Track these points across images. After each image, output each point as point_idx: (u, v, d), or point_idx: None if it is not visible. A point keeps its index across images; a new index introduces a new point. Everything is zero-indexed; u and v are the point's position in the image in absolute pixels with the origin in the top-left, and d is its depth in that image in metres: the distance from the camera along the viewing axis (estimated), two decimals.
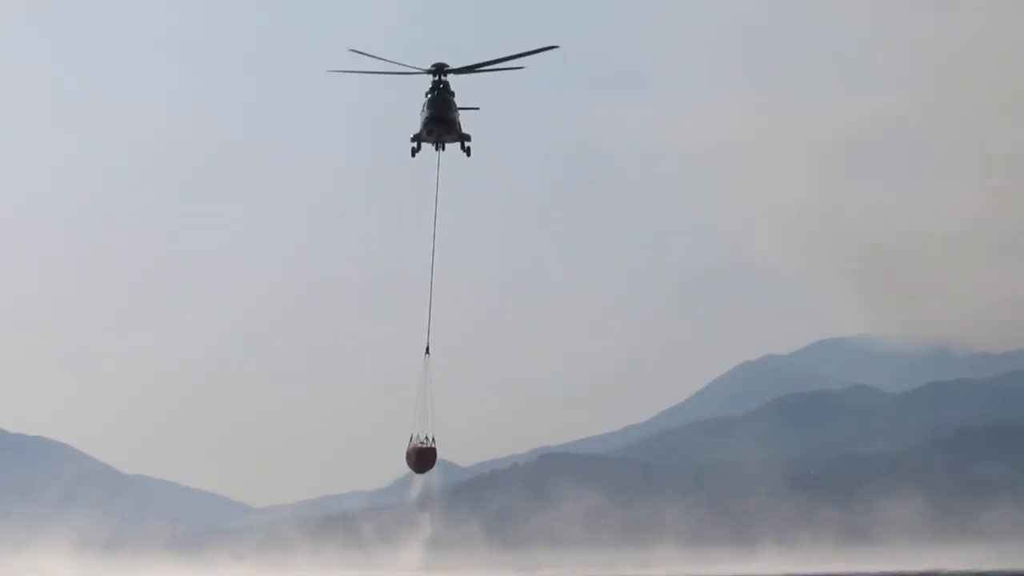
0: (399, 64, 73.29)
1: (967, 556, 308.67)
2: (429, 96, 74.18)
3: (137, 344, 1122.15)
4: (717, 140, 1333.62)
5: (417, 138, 75.64)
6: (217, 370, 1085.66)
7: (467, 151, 76.00)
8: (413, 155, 76.63)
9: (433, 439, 75.58)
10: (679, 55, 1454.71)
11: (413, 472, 77.60)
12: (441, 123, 73.73)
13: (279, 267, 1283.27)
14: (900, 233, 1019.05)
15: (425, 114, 74.54)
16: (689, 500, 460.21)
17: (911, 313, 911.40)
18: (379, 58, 72.63)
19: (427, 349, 76.49)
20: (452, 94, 75.84)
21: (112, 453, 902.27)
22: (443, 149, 75.62)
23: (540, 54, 72.63)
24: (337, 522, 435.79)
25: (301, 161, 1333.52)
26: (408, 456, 76.27)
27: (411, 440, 75.90)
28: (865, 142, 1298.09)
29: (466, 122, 78.14)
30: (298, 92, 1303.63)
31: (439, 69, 74.15)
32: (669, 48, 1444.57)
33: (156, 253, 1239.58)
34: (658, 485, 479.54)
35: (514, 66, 73.84)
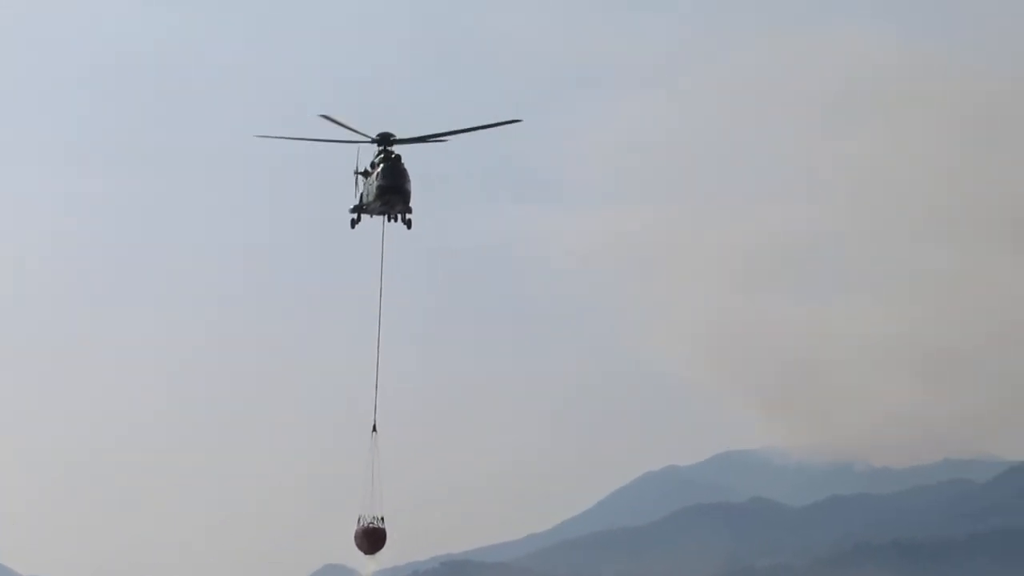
0: (349, 131, 71.82)
1: None
2: (382, 166, 72.11)
3: (46, 435, 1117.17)
4: (627, 249, 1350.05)
5: (358, 209, 74.02)
6: (134, 460, 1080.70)
7: (408, 223, 73.91)
8: (353, 226, 75.10)
9: (382, 519, 73.39)
10: (590, 165, 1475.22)
11: (363, 553, 74.67)
12: (397, 193, 72.04)
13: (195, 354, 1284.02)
14: (805, 347, 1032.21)
15: (377, 183, 72.50)
16: None
17: (813, 427, 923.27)
18: (348, 127, 71.55)
19: (374, 427, 74.25)
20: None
21: (9, 553, 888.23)
22: (393, 220, 73.51)
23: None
24: None
25: (228, 234, 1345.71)
26: (356, 536, 73.69)
27: (359, 521, 73.45)
28: (773, 255, 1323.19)
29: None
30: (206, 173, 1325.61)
31: (385, 139, 72.49)
32: (580, 158, 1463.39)
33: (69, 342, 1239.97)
34: None
35: (476, 127, 72.29)
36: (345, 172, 77.74)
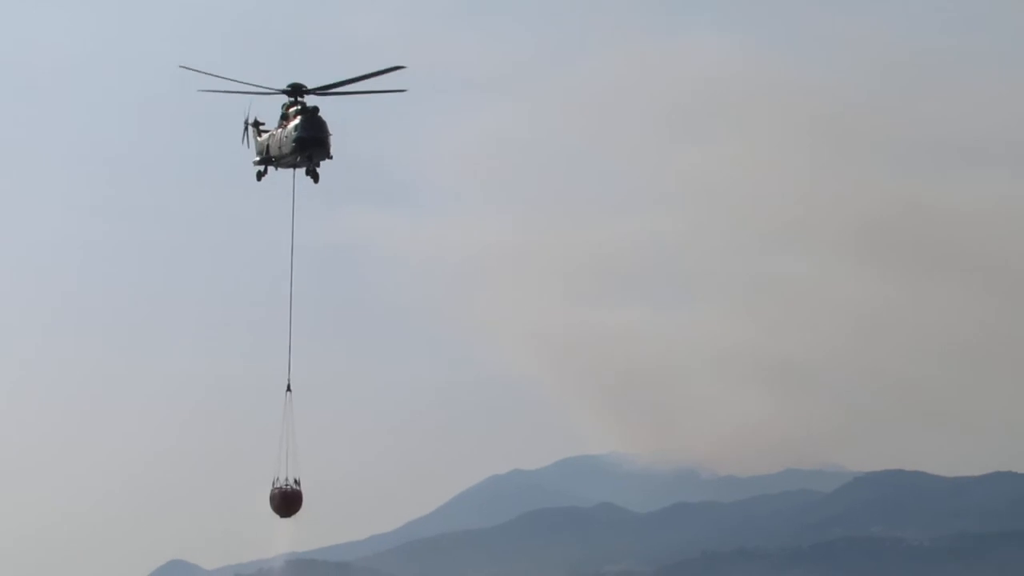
0: (244, 83, 71.05)
1: None
2: (301, 118, 70.84)
3: None
4: (476, 257, 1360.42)
5: (265, 161, 73.03)
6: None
7: (316, 176, 72.93)
8: (259, 179, 74.50)
9: (297, 481, 73.32)
10: (441, 170, 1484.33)
11: (278, 516, 74.04)
12: (320, 145, 70.49)
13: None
14: (652, 355, 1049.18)
15: (297, 135, 71.06)
16: None
17: (660, 435, 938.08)
18: (213, 75, 70.46)
19: (288, 386, 73.89)
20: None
21: None
22: (305, 171, 72.35)
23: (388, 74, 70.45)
24: None
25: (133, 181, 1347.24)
26: (272, 499, 73.50)
27: (274, 483, 73.32)
28: (621, 263, 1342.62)
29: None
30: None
31: (296, 89, 71.68)
32: (431, 162, 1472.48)
33: None
34: None
35: (363, 89, 71.41)
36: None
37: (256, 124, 75.38)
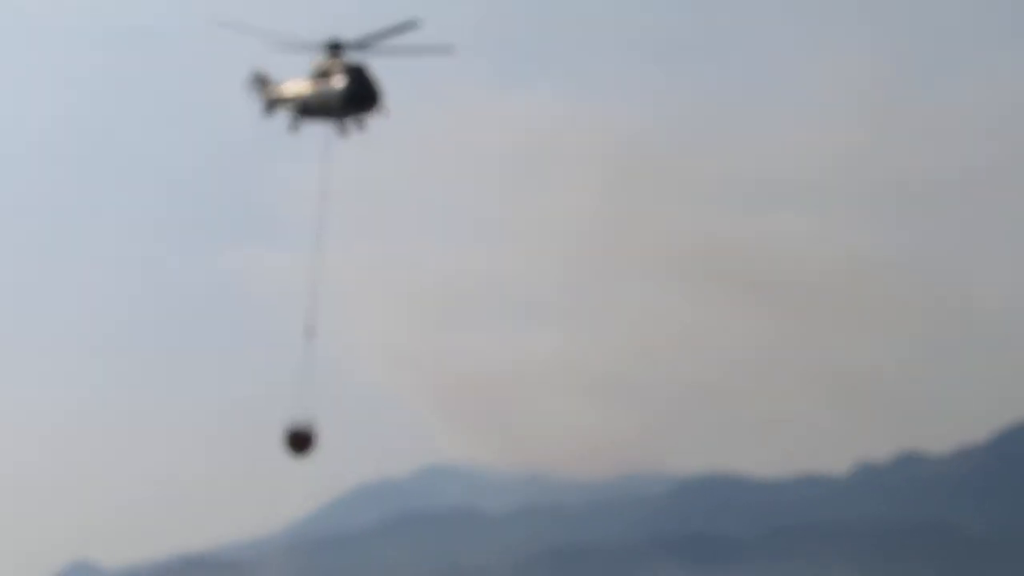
0: (278, 38, 71.72)
1: None
2: (352, 74, 72.20)
3: None
4: (343, 282, 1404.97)
5: (305, 110, 74.88)
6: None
7: (352, 127, 75.03)
8: (294, 130, 76.80)
9: (310, 426, 75.31)
10: (301, 208, 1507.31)
11: (292, 453, 76.08)
12: (373, 100, 72.56)
13: None
14: (502, 372, 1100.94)
15: (350, 89, 72.09)
16: None
17: (513, 443, 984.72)
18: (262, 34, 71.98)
19: (309, 331, 76.10)
20: None
21: None
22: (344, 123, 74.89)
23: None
24: None
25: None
26: (285, 436, 75.38)
27: (289, 425, 75.30)
28: (468, 292, 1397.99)
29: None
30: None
31: (336, 45, 72.37)
32: (291, 201, 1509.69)
33: None
34: None
35: (406, 48, 72.01)
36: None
37: (262, 79, 75.96)
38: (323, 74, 71.07)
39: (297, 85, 72.38)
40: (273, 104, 73.90)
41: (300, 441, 73.60)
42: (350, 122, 71.95)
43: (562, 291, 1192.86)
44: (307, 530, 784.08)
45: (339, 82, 70.45)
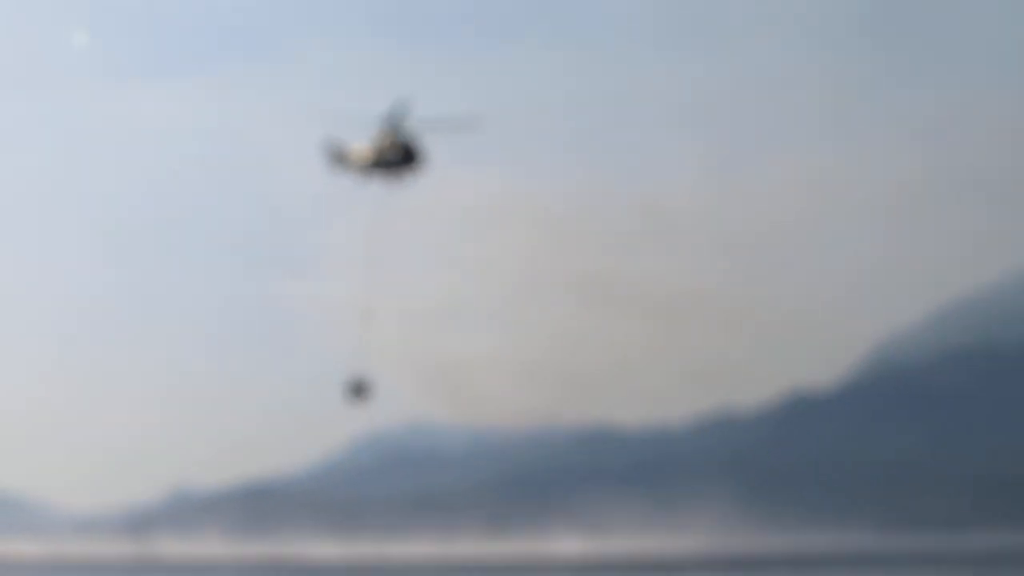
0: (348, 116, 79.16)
1: None
2: (402, 143, 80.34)
3: None
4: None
5: (370, 170, 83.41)
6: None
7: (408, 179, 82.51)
8: (362, 183, 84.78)
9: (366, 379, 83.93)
10: None
11: (352, 398, 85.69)
12: (416, 162, 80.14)
13: None
14: (461, 360, 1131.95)
15: (395, 154, 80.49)
16: None
17: (468, 408, 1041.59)
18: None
19: (367, 314, 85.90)
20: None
21: None
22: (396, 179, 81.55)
23: None
24: None
25: None
26: (347, 385, 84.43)
27: (350, 378, 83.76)
28: (441, 306, 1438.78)
29: None
30: None
31: (396, 125, 79.17)
32: None
33: None
34: None
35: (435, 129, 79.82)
36: None
37: (336, 145, 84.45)
38: (382, 143, 78.42)
39: (362, 148, 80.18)
40: (342, 163, 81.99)
41: (359, 389, 79.10)
42: (398, 178, 79.15)
43: (506, 306, 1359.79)
44: (330, 467, 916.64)
45: (396, 149, 78.19)
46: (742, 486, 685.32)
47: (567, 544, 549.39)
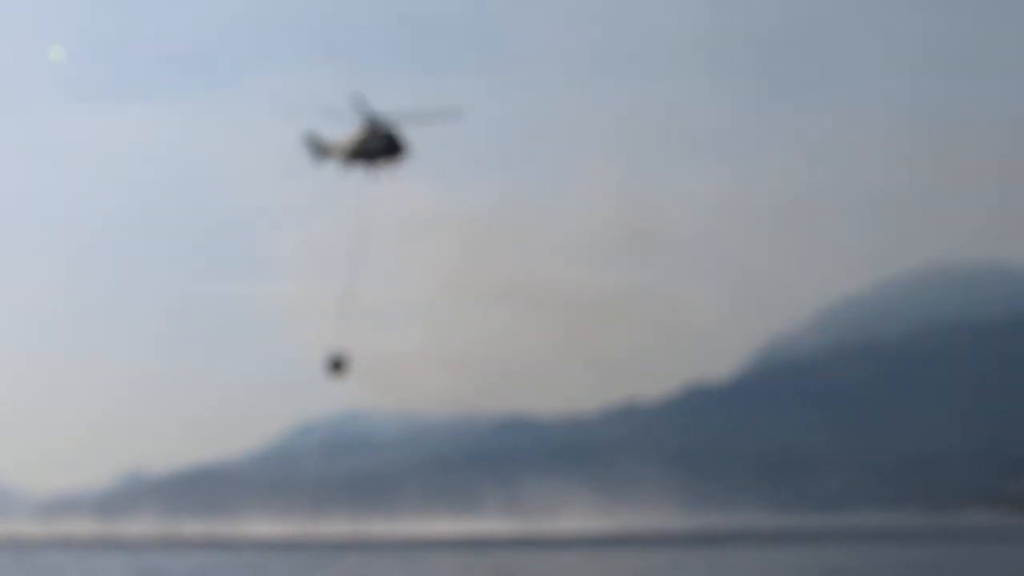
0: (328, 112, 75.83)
1: None
2: (387, 137, 78.41)
3: None
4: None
5: (353, 158, 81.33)
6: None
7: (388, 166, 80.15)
8: (347, 169, 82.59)
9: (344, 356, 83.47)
10: None
11: (332, 373, 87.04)
12: (395, 151, 77.69)
13: None
14: (385, 355, 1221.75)
15: (378, 143, 78.20)
16: None
17: (396, 400, 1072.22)
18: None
19: (348, 298, 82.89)
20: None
21: None
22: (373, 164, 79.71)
23: None
24: None
25: None
26: (328, 361, 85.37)
27: (330, 354, 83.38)
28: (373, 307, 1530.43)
29: None
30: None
31: (375, 122, 76.71)
32: None
33: None
34: None
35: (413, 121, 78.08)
36: None
37: (313, 139, 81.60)
38: (365, 134, 76.33)
39: (344, 140, 77.34)
40: (323, 154, 79.13)
41: (337, 365, 78.44)
42: (381, 167, 76.15)
43: (434, 306, 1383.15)
44: (271, 451, 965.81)
45: (379, 139, 75.88)
46: (647, 469, 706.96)
47: (490, 522, 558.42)
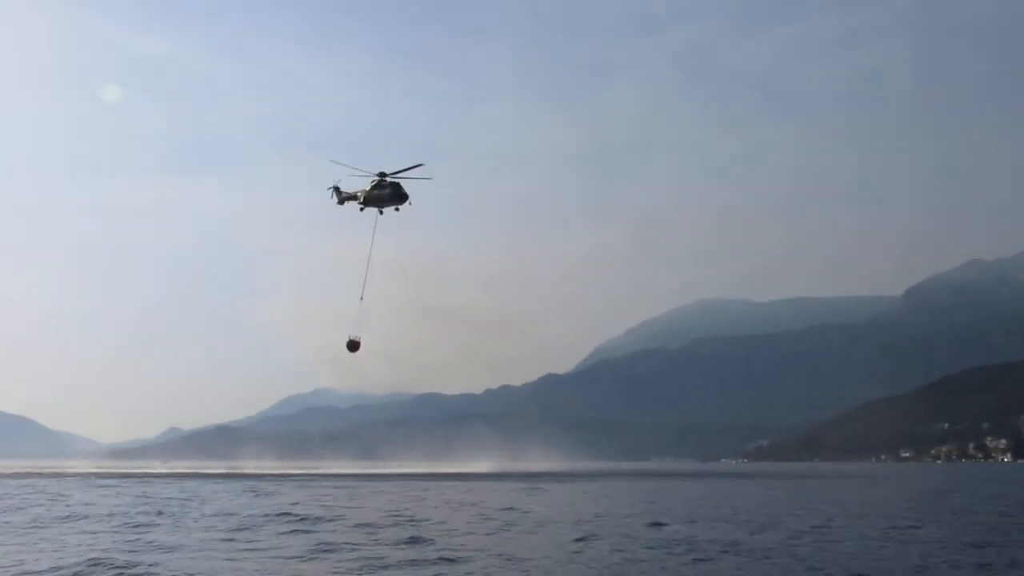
0: (360, 170, 68.59)
1: None
2: (392, 185, 69.74)
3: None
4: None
5: (364, 204, 71.24)
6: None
7: (398, 208, 71.07)
8: (362, 210, 72.01)
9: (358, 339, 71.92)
10: None
11: (350, 351, 72.78)
12: (404, 198, 69.76)
13: None
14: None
15: (388, 191, 69.64)
16: None
17: (353, 380, 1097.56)
18: (351, 167, 68.82)
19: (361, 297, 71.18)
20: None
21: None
22: (381, 213, 70.44)
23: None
24: None
25: None
26: (348, 343, 72.04)
27: (350, 337, 71.95)
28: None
29: None
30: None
31: (382, 174, 69.80)
32: None
33: None
34: None
35: (415, 177, 69.47)
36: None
37: (338, 190, 72.27)
38: (376, 185, 68.63)
39: (361, 189, 69.51)
40: (344, 200, 70.75)
41: (353, 346, 70.14)
42: (388, 207, 68.54)
43: (380, 319, 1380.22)
44: (269, 414, 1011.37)
45: (389, 188, 68.27)
46: (518, 430, 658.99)
47: (416, 464, 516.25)
